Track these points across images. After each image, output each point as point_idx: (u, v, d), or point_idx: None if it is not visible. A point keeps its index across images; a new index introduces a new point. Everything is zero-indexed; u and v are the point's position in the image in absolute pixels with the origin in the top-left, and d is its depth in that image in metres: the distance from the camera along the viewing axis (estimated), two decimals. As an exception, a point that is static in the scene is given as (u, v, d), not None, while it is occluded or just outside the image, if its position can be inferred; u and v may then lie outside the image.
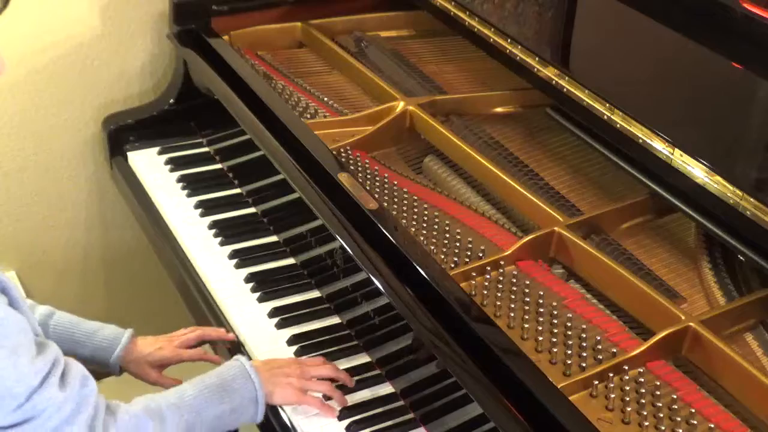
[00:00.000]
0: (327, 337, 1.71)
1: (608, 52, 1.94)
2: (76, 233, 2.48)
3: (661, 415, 1.36)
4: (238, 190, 2.09)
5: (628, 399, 1.37)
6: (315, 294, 1.81)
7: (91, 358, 1.63)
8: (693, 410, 1.37)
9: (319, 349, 1.67)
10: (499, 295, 1.55)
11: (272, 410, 1.58)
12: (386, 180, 1.81)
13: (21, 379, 1.24)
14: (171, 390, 1.47)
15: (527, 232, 1.66)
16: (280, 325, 1.73)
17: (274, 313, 1.76)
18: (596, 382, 1.39)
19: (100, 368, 1.64)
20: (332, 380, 1.59)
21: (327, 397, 1.57)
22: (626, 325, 1.52)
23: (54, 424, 1.28)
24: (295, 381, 1.54)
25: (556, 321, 1.50)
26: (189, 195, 2.08)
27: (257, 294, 1.81)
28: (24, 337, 1.27)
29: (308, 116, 1.98)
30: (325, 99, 2.06)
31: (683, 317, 1.45)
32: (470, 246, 1.64)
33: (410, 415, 1.55)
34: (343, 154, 1.86)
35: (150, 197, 2.10)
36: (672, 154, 1.55)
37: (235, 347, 1.71)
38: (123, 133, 2.26)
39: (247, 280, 1.84)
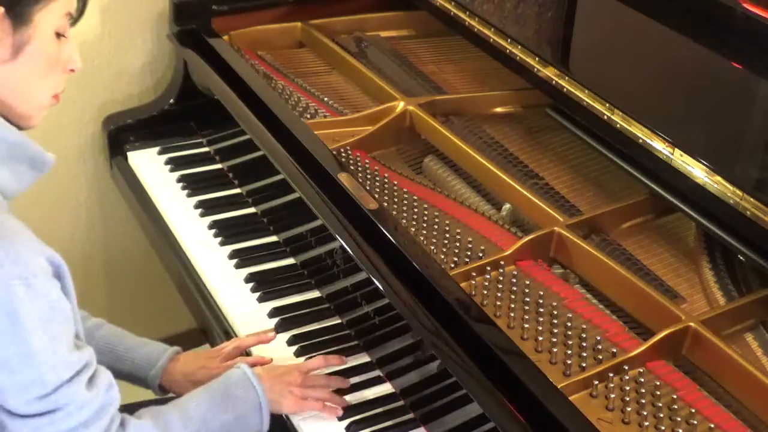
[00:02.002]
0: (327, 337, 1.71)
1: (608, 52, 1.94)
2: (76, 233, 2.48)
3: (661, 415, 1.36)
4: (238, 190, 2.09)
5: (628, 399, 1.37)
6: (315, 294, 1.81)
7: (128, 375, 1.62)
8: (693, 410, 1.37)
9: (319, 349, 1.67)
10: (499, 295, 1.55)
11: (272, 410, 1.59)
12: (386, 180, 1.81)
13: (55, 368, 1.25)
14: (176, 401, 1.46)
15: (527, 232, 1.66)
16: (280, 326, 1.73)
17: (274, 313, 1.76)
18: (596, 382, 1.39)
19: (140, 386, 1.63)
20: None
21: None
22: (626, 325, 1.52)
23: (72, 424, 1.28)
24: (297, 390, 1.54)
25: (556, 321, 1.50)
26: (189, 195, 2.08)
27: (257, 294, 1.81)
28: (68, 327, 1.28)
29: (308, 116, 1.98)
30: (325, 99, 2.06)
31: (683, 317, 1.45)
32: (470, 246, 1.64)
33: (410, 415, 1.55)
34: (343, 154, 1.86)
35: (150, 197, 2.10)
36: (672, 154, 1.55)
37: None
38: (123, 133, 2.26)
39: (247, 280, 1.84)
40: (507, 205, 1.75)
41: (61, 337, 1.26)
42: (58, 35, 1.30)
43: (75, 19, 1.34)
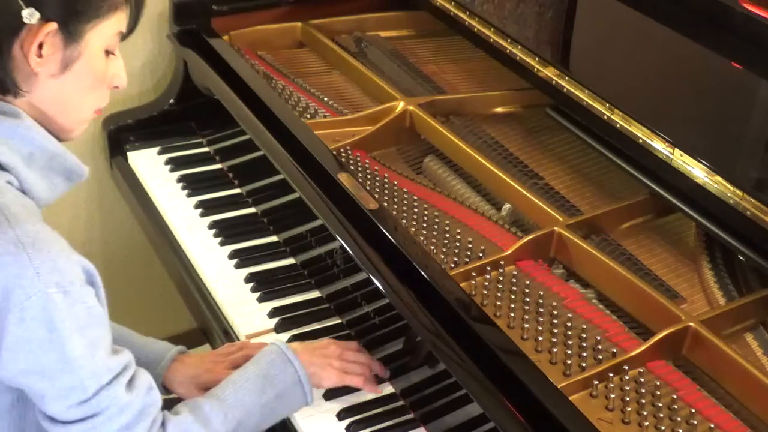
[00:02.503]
0: (327, 337, 1.71)
1: (608, 52, 1.95)
2: (76, 233, 2.48)
3: (661, 415, 1.36)
4: (238, 190, 2.09)
5: (628, 399, 1.37)
6: (315, 294, 1.81)
7: None
8: (693, 410, 1.37)
9: (319, 349, 1.68)
10: (499, 295, 1.55)
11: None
12: (386, 180, 1.81)
13: (95, 373, 1.25)
14: (213, 390, 1.45)
15: (527, 232, 1.66)
16: (280, 326, 1.73)
17: (274, 313, 1.76)
18: (596, 382, 1.39)
19: None
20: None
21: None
22: (626, 325, 1.52)
23: (114, 427, 1.27)
24: (336, 362, 1.53)
25: (556, 321, 1.50)
26: (189, 195, 2.08)
27: (257, 294, 1.81)
28: (105, 332, 1.28)
29: (308, 116, 1.98)
30: (325, 99, 2.06)
31: (683, 317, 1.45)
32: (470, 246, 1.64)
33: (410, 415, 1.55)
34: (343, 154, 1.86)
35: (150, 197, 2.10)
36: (672, 154, 1.55)
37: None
38: (123, 133, 2.26)
39: (247, 280, 1.84)
40: (507, 205, 1.75)
41: (99, 343, 1.26)
42: (107, 53, 1.32)
43: (125, 35, 1.35)
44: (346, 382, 1.54)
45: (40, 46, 1.24)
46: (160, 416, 1.34)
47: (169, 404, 1.43)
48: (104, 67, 1.32)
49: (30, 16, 1.22)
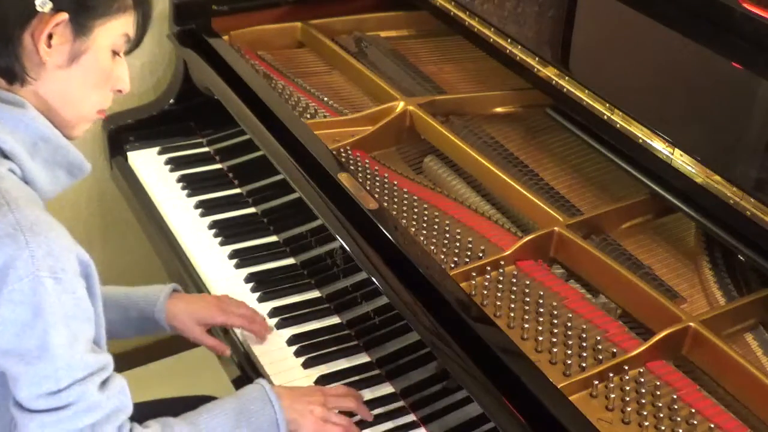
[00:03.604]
0: (327, 337, 1.71)
1: (608, 52, 1.95)
2: (76, 233, 2.46)
3: (661, 415, 1.36)
4: (238, 190, 2.09)
5: (628, 399, 1.37)
6: (315, 294, 1.81)
7: (139, 322, 1.65)
8: (693, 410, 1.37)
9: (319, 349, 1.68)
10: (499, 295, 1.55)
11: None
12: (386, 180, 1.81)
13: (70, 366, 1.25)
14: (187, 414, 1.44)
15: (527, 232, 1.66)
16: (280, 326, 1.73)
17: (274, 313, 1.76)
18: (596, 382, 1.39)
19: (152, 329, 1.66)
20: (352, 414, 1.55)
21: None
22: (626, 325, 1.52)
23: (79, 425, 1.27)
24: (318, 410, 1.49)
25: (556, 321, 1.50)
26: (189, 195, 2.08)
27: (257, 294, 1.81)
28: (89, 327, 1.29)
29: (308, 116, 1.98)
30: (325, 99, 2.06)
31: (683, 317, 1.45)
32: (470, 246, 1.64)
33: (410, 415, 1.56)
34: (343, 154, 1.86)
35: (150, 197, 2.10)
36: (672, 154, 1.55)
37: (237, 349, 1.71)
38: (123, 133, 2.26)
39: (247, 280, 1.84)
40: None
41: (80, 336, 1.26)
42: (114, 53, 1.35)
43: (132, 45, 1.39)
44: (325, 431, 1.50)
45: (50, 36, 1.27)
46: (128, 424, 1.33)
47: (148, 409, 1.42)
48: (110, 66, 1.35)
49: (42, 4, 1.25)
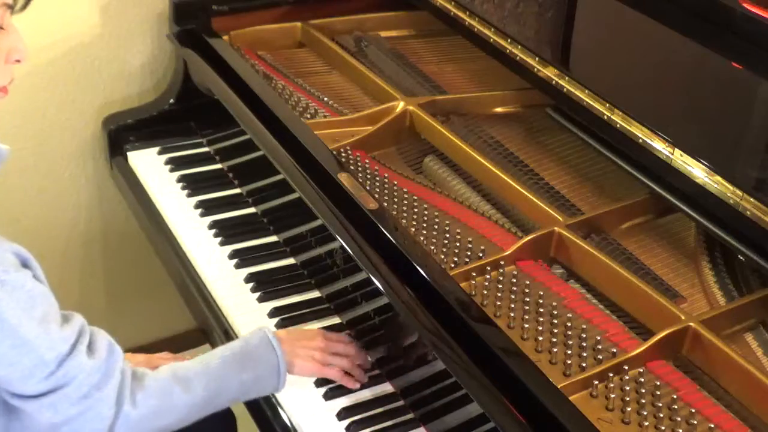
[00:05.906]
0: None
1: (608, 52, 1.94)
2: (75, 233, 2.48)
3: (661, 415, 1.36)
4: (238, 190, 2.09)
5: (628, 399, 1.37)
6: (315, 294, 1.81)
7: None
8: (693, 410, 1.37)
9: (319, 349, 1.68)
10: (499, 295, 1.54)
11: (272, 410, 1.58)
12: (386, 180, 1.81)
13: (52, 346, 1.27)
14: (197, 358, 1.47)
15: (527, 232, 1.66)
16: (280, 326, 1.73)
17: (274, 313, 1.76)
18: (596, 382, 1.39)
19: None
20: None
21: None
22: (626, 325, 1.52)
23: (84, 391, 1.29)
24: (318, 354, 1.55)
25: (556, 321, 1.50)
26: (189, 195, 2.08)
27: (257, 294, 1.81)
28: (51, 307, 1.30)
29: (308, 116, 1.98)
30: (325, 99, 2.06)
31: (683, 317, 1.45)
32: (470, 246, 1.64)
33: (410, 415, 1.56)
34: (343, 154, 1.86)
35: (150, 197, 2.10)
36: (672, 154, 1.55)
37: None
38: (123, 133, 2.26)
39: (247, 280, 1.84)
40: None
41: (48, 318, 1.28)
42: None
43: (17, 7, 1.31)
44: (323, 374, 1.55)
45: None
46: (129, 369, 1.35)
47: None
48: None
49: None
